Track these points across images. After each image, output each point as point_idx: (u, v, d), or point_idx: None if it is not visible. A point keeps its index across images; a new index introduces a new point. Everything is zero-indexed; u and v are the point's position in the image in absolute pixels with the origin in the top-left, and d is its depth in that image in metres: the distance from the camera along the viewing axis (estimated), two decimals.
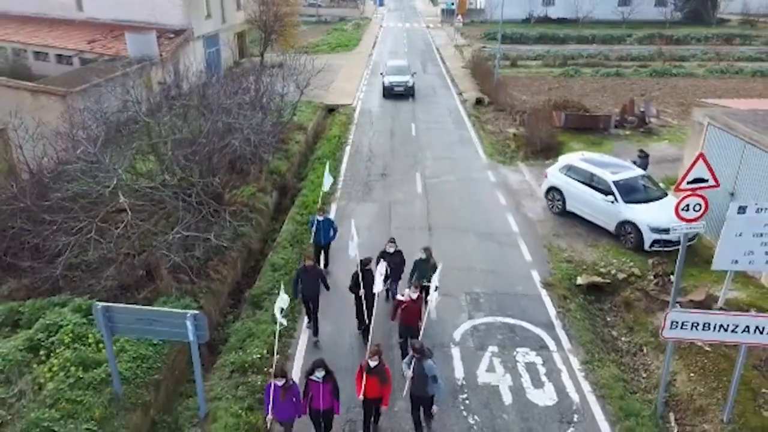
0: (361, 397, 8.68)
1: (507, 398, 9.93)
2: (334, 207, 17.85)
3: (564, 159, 17.49)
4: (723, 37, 53.72)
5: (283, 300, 9.37)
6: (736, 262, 10.75)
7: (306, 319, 12.00)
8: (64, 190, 12.57)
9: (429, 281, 10.75)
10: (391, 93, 31.94)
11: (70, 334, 10.00)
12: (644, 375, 10.85)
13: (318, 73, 24.21)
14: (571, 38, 53.59)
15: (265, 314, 12.04)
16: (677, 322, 8.75)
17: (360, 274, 11.03)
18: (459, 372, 10.56)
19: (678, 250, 11.60)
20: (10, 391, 9.02)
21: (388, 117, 28.45)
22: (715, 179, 10.86)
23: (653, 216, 14.35)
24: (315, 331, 11.65)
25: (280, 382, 8.28)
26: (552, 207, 17.15)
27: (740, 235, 10.47)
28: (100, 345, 9.98)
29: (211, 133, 14.90)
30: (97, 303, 8.87)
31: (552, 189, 17.08)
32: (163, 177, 13.46)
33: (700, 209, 10.68)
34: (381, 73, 33.71)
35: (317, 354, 10.50)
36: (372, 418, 9.14)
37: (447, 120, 28.10)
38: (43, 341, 9.97)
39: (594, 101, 30.19)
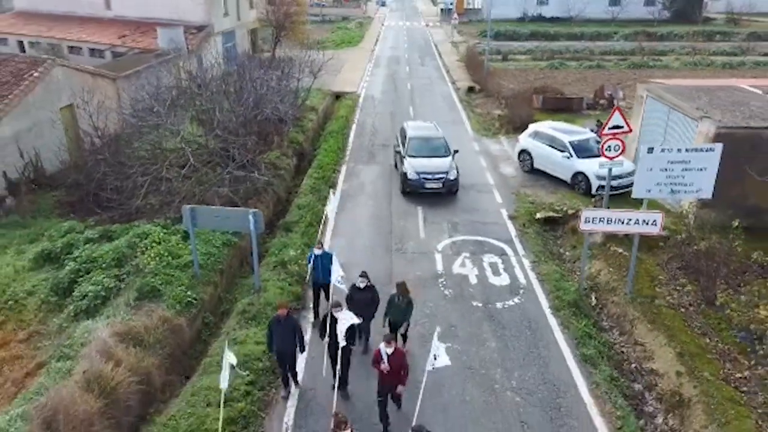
0: None
1: (473, 281, 13.78)
2: (343, 168, 21.62)
3: (532, 127, 21.29)
4: (705, 34, 57.08)
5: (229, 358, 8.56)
6: (649, 191, 14.21)
7: (282, 385, 10.37)
8: (143, 141, 16.34)
9: (405, 323, 10.71)
10: (419, 191, 18.60)
11: (158, 237, 13.82)
12: (577, 274, 14.55)
13: (328, 60, 27.98)
14: (561, 35, 57.07)
15: (294, 235, 15.88)
16: (589, 218, 12.51)
17: (330, 318, 9.79)
18: (439, 267, 14.42)
19: (618, 193, 15.60)
20: (122, 270, 12.84)
21: (389, 102, 32.22)
22: (629, 126, 14.69)
23: (599, 167, 18.06)
24: (295, 382, 10.47)
25: None
26: (523, 166, 20.94)
27: (650, 170, 13.89)
28: (179, 245, 13.83)
29: (246, 103, 18.72)
30: (185, 206, 12.68)
31: (523, 151, 20.89)
32: (213, 133, 17.26)
33: (618, 149, 14.50)
34: (396, 151, 20.47)
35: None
36: None
37: (441, 104, 31.85)
38: (137, 243, 13.78)
39: (574, 89, 33.85)
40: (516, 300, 13.02)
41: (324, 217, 15.23)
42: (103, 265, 12.98)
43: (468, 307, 12.73)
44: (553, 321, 12.27)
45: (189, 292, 12.31)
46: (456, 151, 19.69)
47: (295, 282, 13.36)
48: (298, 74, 25.99)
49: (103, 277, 12.55)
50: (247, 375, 10.35)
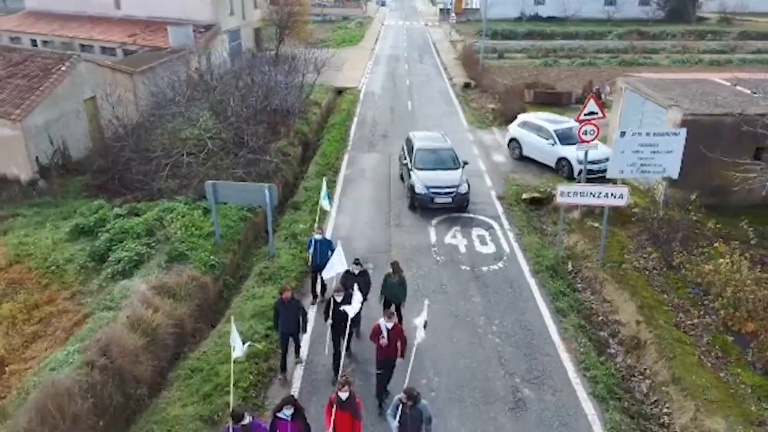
0: None
1: (462, 250, 15.50)
2: (346, 156, 23.29)
3: (521, 117, 23.00)
4: (697, 33, 58.57)
5: (236, 341, 9.17)
6: (622, 171, 15.86)
7: (280, 369, 10.99)
8: (164, 129, 18.03)
9: (399, 300, 11.37)
10: (427, 206, 17.65)
11: (182, 211, 15.53)
12: (557, 245, 16.23)
13: (331, 57, 29.64)
14: (557, 34, 58.53)
15: (302, 212, 17.57)
16: (564, 192, 14.18)
17: (332, 302, 10.43)
18: (432, 238, 16.13)
19: (597, 177, 17.19)
20: (152, 239, 14.52)
21: (389, 97, 33.90)
22: (602, 112, 16.34)
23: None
24: (296, 352, 11.20)
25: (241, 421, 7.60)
26: (512, 154, 22.63)
27: (623, 152, 15.51)
28: (201, 219, 15.52)
29: (257, 95, 20.41)
30: (208, 181, 14.35)
31: (512, 140, 22.61)
32: (228, 122, 18.95)
33: (594, 133, 16.13)
34: (403, 163, 19.52)
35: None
36: None
37: (438, 99, 33.53)
38: (164, 216, 15.47)
39: (565, 84, 35.50)
40: (500, 264, 14.72)
41: (319, 206, 15.16)
42: (134, 235, 14.66)
43: (457, 270, 14.43)
44: (532, 281, 13.97)
45: (212, 257, 14.00)
46: (466, 163, 18.59)
47: (305, 250, 15.00)
48: (302, 70, 27.64)
49: (136, 245, 14.22)
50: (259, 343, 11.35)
